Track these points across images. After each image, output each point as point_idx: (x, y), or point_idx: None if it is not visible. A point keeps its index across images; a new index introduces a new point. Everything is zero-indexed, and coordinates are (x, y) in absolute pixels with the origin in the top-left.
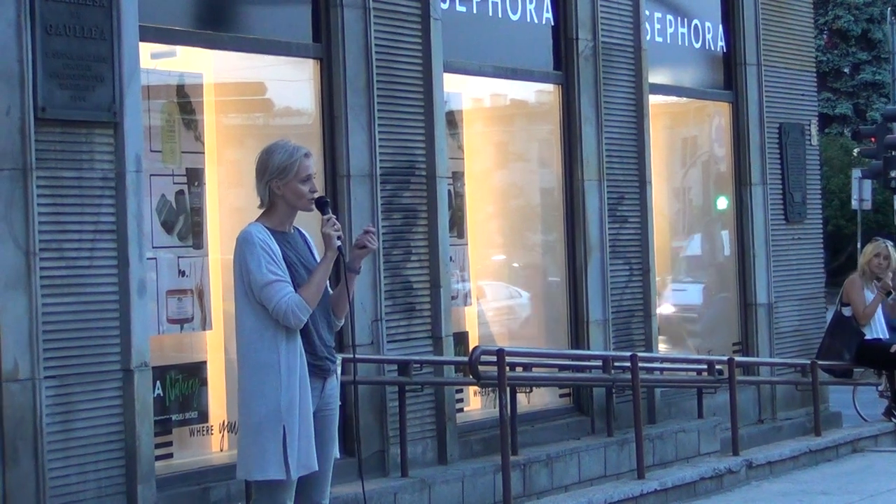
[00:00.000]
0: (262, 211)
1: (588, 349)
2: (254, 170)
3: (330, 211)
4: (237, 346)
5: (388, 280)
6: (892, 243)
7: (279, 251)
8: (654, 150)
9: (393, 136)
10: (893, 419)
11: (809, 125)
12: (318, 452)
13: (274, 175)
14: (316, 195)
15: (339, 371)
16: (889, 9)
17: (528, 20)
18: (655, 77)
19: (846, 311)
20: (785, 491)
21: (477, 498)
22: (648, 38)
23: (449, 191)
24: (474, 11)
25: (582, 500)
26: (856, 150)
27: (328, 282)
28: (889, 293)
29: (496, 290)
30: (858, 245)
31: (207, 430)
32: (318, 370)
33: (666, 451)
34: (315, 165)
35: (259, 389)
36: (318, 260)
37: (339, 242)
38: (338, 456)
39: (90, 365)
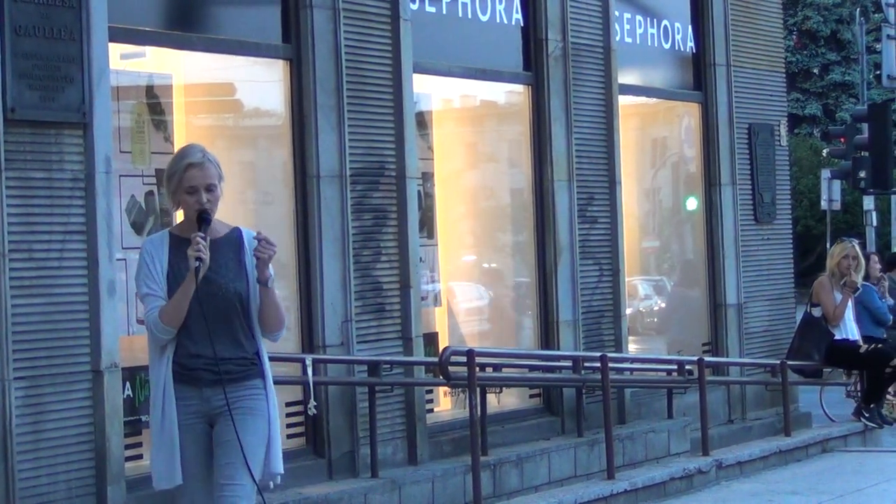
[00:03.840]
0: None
1: (558, 350)
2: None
3: (204, 228)
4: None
5: (359, 281)
6: (859, 242)
7: (165, 263)
8: (624, 150)
9: (363, 137)
10: (863, 419)
11: (779, 125)
12: (224, 456)
13: (170, 187)
14: (198, 208)
15: (266, 375)
16: (858, 10)
17: (498, 21)
18: (625, 78)
19: (816, 312)
20: (755, 491)
21: (447, 498)
22: (618, 38)
23: (419, 191)
24: (444, 12)
25: (552, 501)
26: (825, 151)
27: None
28: (856, 290)
29: (466, 291)
30: (828, 245)
31: None
32: (192, 380)
33: (636, 452)
34: (285, 166)
35: (154, 400)
36: (249, 263)
37: (197, 263)
38: (281, 471)
39: (60, 366)
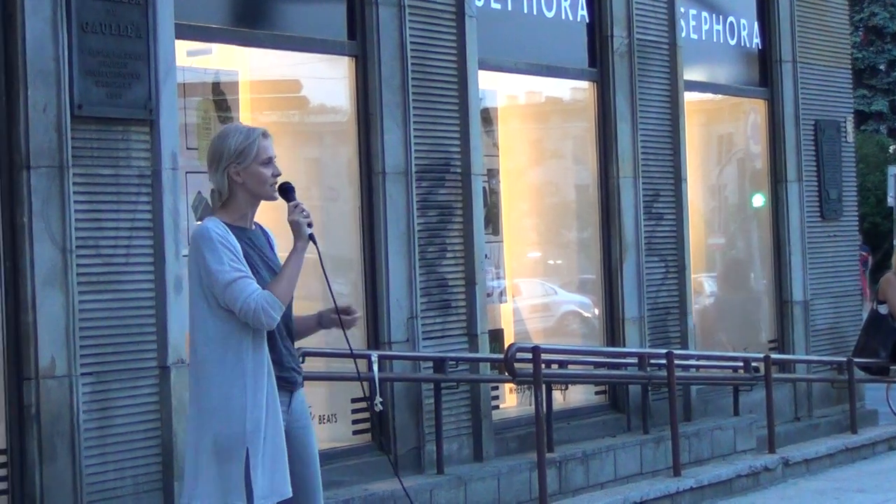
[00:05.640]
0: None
1: (624, 346)
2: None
3: (296, 196)
4: (194, 357)
5: (424, 277)
6: None
7: (239, 247)
8: (690, 147)
9: (428, 134)
10: None
11: (845, 122)
12: (299, 475)
13: (231, 160)
14: (279, 180)
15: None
16: None
17: (563, 17)
18: (690, 74)
19: (882, 309)
20: (821, 489)
21: (513, 495)
22: (683, 35)
23: (484, 188)
24: (509, 8)
25: (618, 498)
26: (892, 147)
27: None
28: None
29: (531, 288)
30: (895, 242)
31: None
32: (285, 383)
33: (702, 449)
34: (350, 162)
35: (223, 407)
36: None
37: (309, 230)
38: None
39: (127, 362)
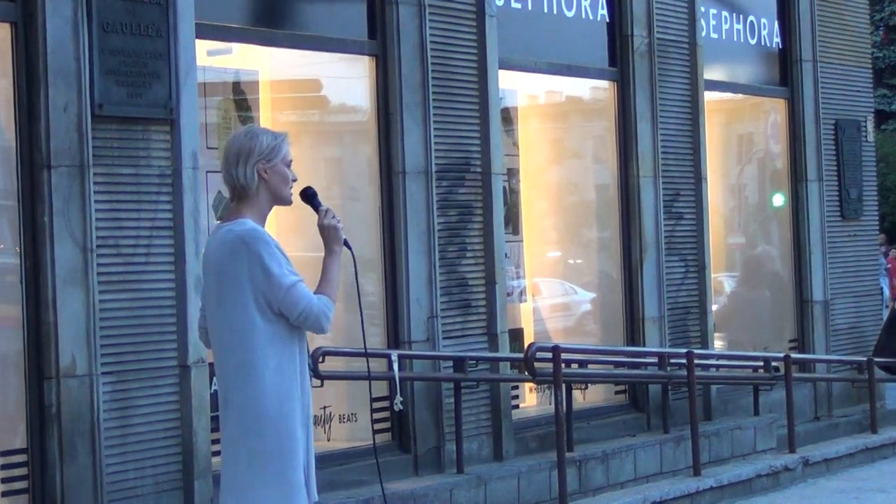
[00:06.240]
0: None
1: (644, 346)
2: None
3: (318, 201)
4: (231, 360)
5: (444, 277)
6: None
7: None
8: (710, 146)
9: (448, 133)
10: None
11: (865, 122)
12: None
13: (263, 156)
14: (295, 184)
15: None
16: None
17: (583, 17)
18: (711, 73)
19: None
20: (841, 488)
21: (533, 494)
22: (704, 34)
23: (504, 187)
24: (529, 8)
25: (638, 497)
26: None
27: None
28: None
29: (551, 287)
30: None
31: None
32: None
33: (722, 448)
34: (371, 162)
35: (279, 412)
36: None
37: (344, 235)
38: None
39: (147, 361)
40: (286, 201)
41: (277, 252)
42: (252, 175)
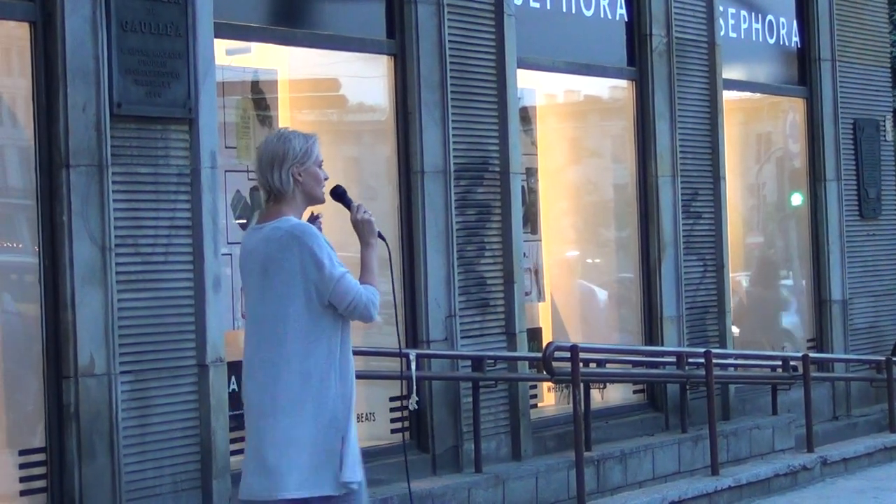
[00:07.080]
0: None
1: (662, 345)
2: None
3: (349, 199)
4: (280, 351)
5: (462, 276)
6: None
7: None
8: (728, 145)
9: (467, 133)
10: None
11: (884, 121)
12: None
13: (297, 159)
14: (326, 182)
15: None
16: None
17: (602, 16)
18: (729, 73)
19: None
20: (860, 488)
21: (551, 494)
22: (722, 33)
23: (522, 187)
24: (548, 7)
25: (656, 497)
26: None
27: None
28: None
29: (570, 286)
30: None
31: None
32: None
33: (740, 448)
34: (389, 161)
35: (319, 397)
36: None
37: (378, 228)
38: None
39: (165, 360)
40: (319, 200)
41: (326, 246)
42: (287, 179)
